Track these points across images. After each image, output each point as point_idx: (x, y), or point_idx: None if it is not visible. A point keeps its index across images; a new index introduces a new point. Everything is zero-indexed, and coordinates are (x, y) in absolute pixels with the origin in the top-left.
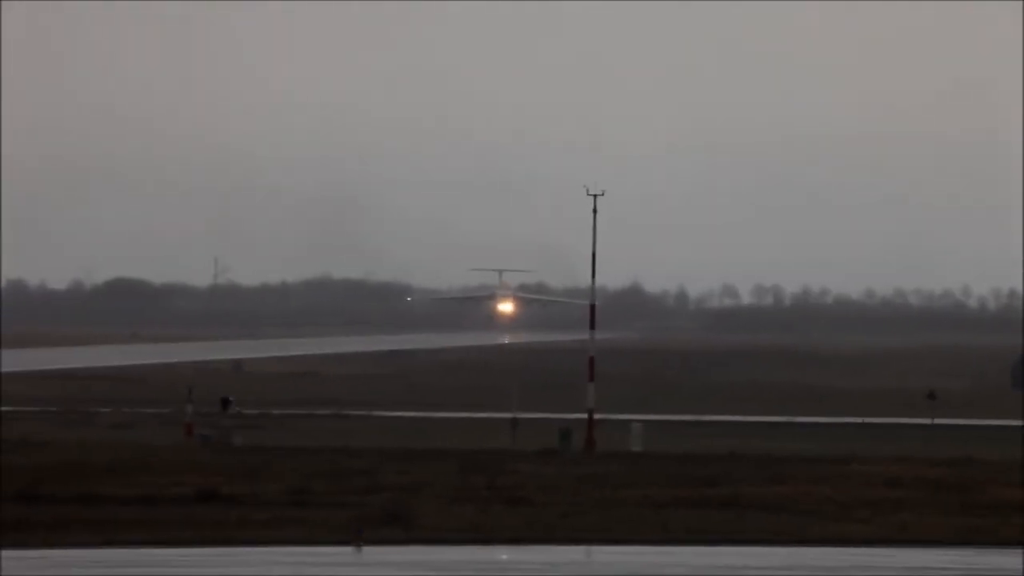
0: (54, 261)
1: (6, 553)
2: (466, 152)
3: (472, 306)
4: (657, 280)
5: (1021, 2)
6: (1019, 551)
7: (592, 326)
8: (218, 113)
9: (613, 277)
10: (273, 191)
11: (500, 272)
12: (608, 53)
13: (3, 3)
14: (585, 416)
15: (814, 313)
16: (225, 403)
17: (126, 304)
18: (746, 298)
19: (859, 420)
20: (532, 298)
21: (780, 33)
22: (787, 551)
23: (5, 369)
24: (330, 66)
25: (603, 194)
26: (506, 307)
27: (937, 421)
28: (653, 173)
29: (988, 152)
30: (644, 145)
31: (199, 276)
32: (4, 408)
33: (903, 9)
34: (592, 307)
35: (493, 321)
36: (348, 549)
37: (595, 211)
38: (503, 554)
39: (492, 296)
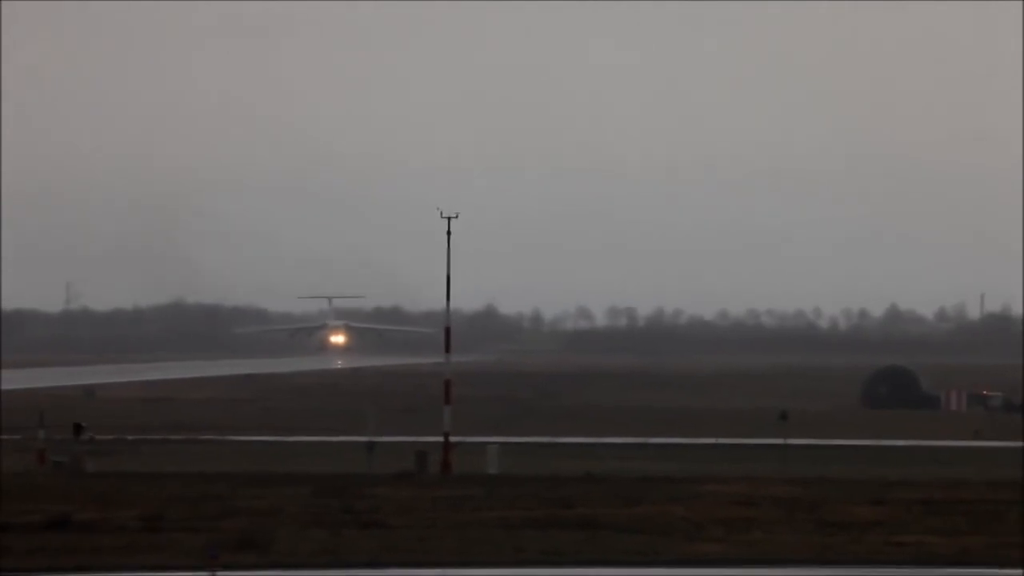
0: None
1: None
2: (318, 170)
3: (303, 337)
4: (512, 303)
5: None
6: (869, 569)
7: (447, 349)
8: (57, 124)
9: (468, 299)
10: (113, 209)
11: (330, 299)
12: (451, 71)
13: None
14: (441, 439)
15: (668, 334)
16: (78, 429)
17: None
18: (601, 320)
19: (713, 440)
20: (365, 327)
21: (602, 45)
22: (641, 571)
23: None
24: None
25: (457, 216)
26: (337, 338)
27: (789, 441)
28: (504, 194)
29: (836, 167)
30: (493, 164)
31: (50, 302)
32: None
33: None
34: (447, 330)
35: (326, 350)
36: (203, 574)
37: (449, 233)
38: None
39: (323, 327)
